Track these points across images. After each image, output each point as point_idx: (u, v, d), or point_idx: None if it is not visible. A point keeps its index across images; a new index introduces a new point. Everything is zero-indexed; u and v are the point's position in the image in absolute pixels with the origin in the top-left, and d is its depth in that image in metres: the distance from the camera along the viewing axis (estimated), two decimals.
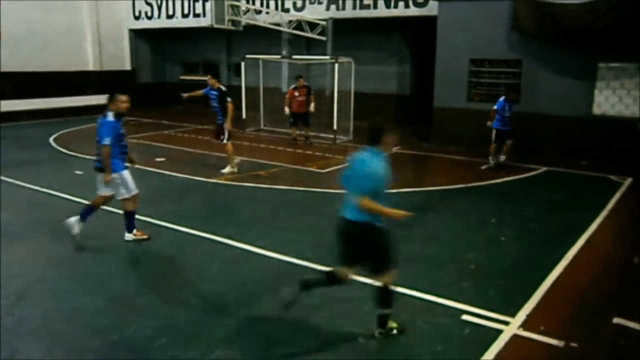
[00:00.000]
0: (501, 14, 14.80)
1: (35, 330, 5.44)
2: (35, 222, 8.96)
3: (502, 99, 12.99)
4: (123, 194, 7.74)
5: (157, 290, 6.35)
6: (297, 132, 16.59)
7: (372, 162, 5.03)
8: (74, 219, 7.78)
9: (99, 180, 7.75)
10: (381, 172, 4.97)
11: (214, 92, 12.19)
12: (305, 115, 16.38)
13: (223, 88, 12.32)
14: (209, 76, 12.47)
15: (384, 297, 5.27)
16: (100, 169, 7.63)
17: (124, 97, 7.58)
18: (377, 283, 5.26)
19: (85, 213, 7.85)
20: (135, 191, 7.83)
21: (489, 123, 13.00)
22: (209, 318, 5.70)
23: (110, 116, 7.45)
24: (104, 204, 8.00)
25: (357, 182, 5.04)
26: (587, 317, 5.85)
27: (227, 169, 12.44)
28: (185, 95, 12.66)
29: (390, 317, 5.34)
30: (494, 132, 13.02)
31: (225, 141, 12.28)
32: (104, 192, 7.76)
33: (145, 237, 8.01)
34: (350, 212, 5.13)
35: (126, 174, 7.71)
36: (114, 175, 7.56)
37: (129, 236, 7.99)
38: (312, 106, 16.37)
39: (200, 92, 12.50)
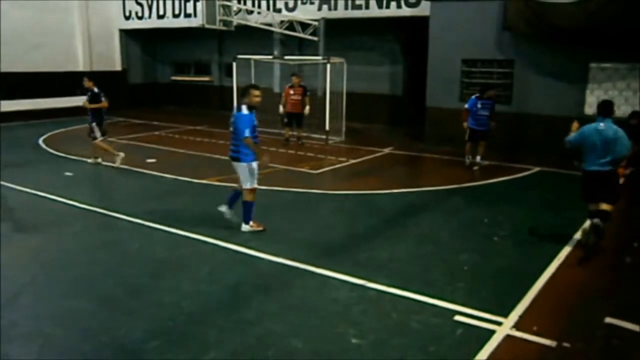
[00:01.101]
0: (493, 14, 14.83)
1: (25, 334, 5.38)
2: (26, 224, 8.88)
3: (473, 97, 12.97)
4: (246, 183, 8.10)
5: (149, 293, 6.30)
6: (290, 132, 16.50)
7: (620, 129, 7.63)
8: (246, 227, 8.28)
9: (237, 172, 8.19)
10: None
11: (89, 94, 12.89)
12: (300, 116, 16.22)
13: (95, 90, 12.93)
14: (85, 79, 13.17)
15: (605, 216, 7.62)
16: (234, 158, 8.09)
17: (257, 92, 8.02)
18: (604, 207, 7.67)
19: (248, 213, 8.27)
20: (256, 184, 8.20)
21: (464, 125, 12.97)
22: (201, 320, 5.66)
23: (244, 109, 7.88)
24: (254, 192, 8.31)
25: (622, 145, 7.52)
26: (580, 317, 5.85)
27: (117, 162, 12.81)
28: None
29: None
30: (468, 130, 13.02)
31: (96, 140, 12.86)
32: (246, 183, 8.15)
33: (260, 228, 8.28)
34: (603, 166, 7.65)
35: (254, 165, 8.09)
36: (243, 164, 8.02)
37: (245, 227, 8.28)
38: (307, 109, 16.17)
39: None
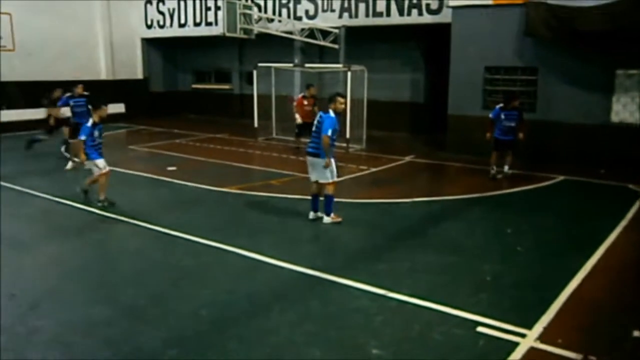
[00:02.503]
0: (516, 21, 14.67)
1: (47, 341, 5.39)
2: (47, 231, 8.95)
3: (497, 107, 12.72)
4: (328, 178, 8.91)
5: (168, 301, 6.29)
6: (303, 140, 16.25)
7: None
8: (327, 219, 9.05)
9: (316, 168, 8.99)
10: None
11: (81, 100, 14.22)
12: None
13: (86, 93, 14.39)
14: (79, 86, 14.61)
15: None
16: (313, 154, 8.97)
17: (342, 99, 9.02)
18: None
19: (330, 205, 9.03)
20: (337, 178, 9.07)
21: (488, 135, 12.69)
22: (220, 329, 5.64)
23: (332, 113, 8.77)
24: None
25: None
26: (606, 329, 5.71)
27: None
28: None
29: None
30: (493, 140, 12.78)
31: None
32: (329, 178, 8.94)
33: (339, 220, 9.06)
34: None
35: (332, 161, 8.92)
36: (324, 160, 8.79)
37: (327, 219, 9.08)
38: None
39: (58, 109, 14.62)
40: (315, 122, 9.04)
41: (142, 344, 5.30)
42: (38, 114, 16.99)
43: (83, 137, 9.89)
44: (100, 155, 10.20)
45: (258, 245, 8.01)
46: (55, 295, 6.49)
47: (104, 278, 7.00)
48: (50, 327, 5.65)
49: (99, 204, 10.14)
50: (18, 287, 6.56)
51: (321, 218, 9.21)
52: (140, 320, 5.82)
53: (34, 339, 5.40)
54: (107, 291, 6.58)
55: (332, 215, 9.05)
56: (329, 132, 8.67)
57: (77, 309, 6.10)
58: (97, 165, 10.10)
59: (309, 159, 9.12)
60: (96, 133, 10.11)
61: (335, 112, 8.86)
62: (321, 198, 9.20)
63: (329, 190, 8.98)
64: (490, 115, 12.77)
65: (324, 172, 8.88)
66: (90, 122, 10.02)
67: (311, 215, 9.37)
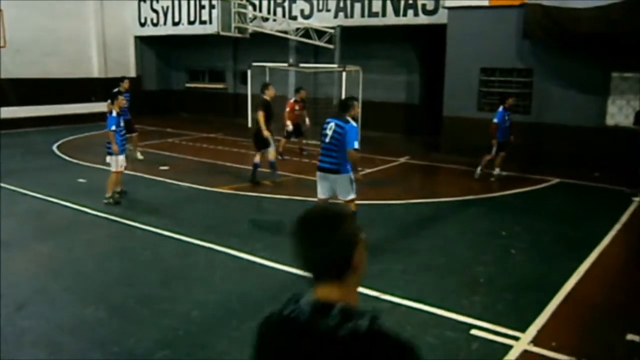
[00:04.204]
0: (512, 23, 14.67)
1: (35, 341, 5.33)
2: (37, 231, 8.85)
3: (500, 109, 12.45)
4: (351, 194, 7.75)
5: (159, 301, 6.22)
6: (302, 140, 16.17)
7: None
8: None
9: (337, 185, 7.73)
10: None
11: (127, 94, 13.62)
12: (300, 127, 15.87)
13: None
14: (126, 81, 14.61)
15: None
16: (332, 171, 7.62)
17: (357, 104, 7.97)
18: None
19: None
20: (356, 194, 7.85)
21: (493, 142, 12.44)
22: (211, 330, 5.58)
23: (353, 122, 7.51)
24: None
25: None
26: (600, 333, 5.69)
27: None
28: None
29: None
30: (495, 143, 12.51)
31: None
32: (352, 194, 7.76)
33: None
34: None
35: (353, 176, 7.75)
36: (345, 175, 7.65)
37: None
38: (307, 120, 15.80)
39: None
40: (330, 132, 7.50)
41: (133, 344, 5.24)
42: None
43: (113, 128, 10.06)
44: (123, 152, 10.36)
45: (250, 245, 7.95)
46: (44, 296, 6.40)
47: (93, 278, 6.92)
48: (38, 328, 5.58)
49: (105, 201, 10.12)
50: (5, 288, 6.46)
51: None
52: (131, 321, 5.75)
53: (21, 340, 5.34)
54: (97, 291, 6.50)
55: None
56: (357, 145, 7.44)
57: (66, 310, 6.03)
58: (117, 162, 10.16)
59: (325, 175, 7.76)
60: (122, 124, 10.39)
61: (353, 119, 7.55)
62: None
63: (353, 207, 7.72)
64: (496, 120, 12.42)
65: (348, 189, 7.71)
66: (114, 113, 10.22)
67: None
